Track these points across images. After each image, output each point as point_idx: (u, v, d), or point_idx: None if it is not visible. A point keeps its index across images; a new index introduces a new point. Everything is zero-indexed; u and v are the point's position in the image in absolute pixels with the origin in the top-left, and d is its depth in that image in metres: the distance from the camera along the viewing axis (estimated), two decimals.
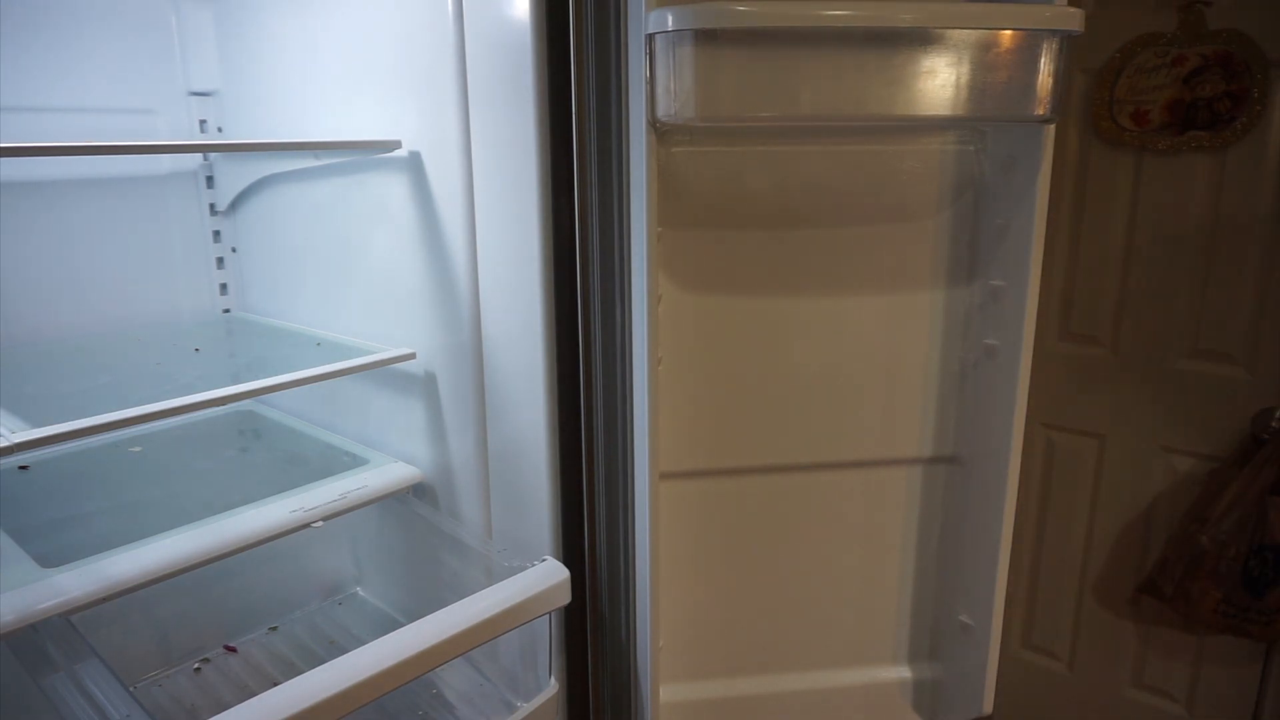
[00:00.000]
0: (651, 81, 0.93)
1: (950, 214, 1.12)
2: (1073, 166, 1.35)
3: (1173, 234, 1.30)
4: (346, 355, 1.16)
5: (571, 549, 1.14)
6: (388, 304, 1.24)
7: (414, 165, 1.13)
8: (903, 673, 1.29)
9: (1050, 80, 0.94)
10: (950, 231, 1.13)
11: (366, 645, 0.85)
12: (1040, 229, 1.05)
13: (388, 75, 1.13)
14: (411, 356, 1.19)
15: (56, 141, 1.12)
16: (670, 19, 0.89)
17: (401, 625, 0.88)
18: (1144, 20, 1.26)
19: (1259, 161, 1.22)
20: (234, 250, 1.51)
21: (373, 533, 1.37)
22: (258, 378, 1.05)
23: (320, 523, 1.09)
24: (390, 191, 1.17)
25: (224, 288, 1.52)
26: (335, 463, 1.27)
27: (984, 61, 0.93)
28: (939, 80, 0.92)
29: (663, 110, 0.93)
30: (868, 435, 1.19)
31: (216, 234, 1.50)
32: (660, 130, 0.97)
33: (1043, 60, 0.93)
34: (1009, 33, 0.92)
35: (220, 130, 1.46)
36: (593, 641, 1.18)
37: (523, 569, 1.00)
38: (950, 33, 0.91)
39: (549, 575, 1.00)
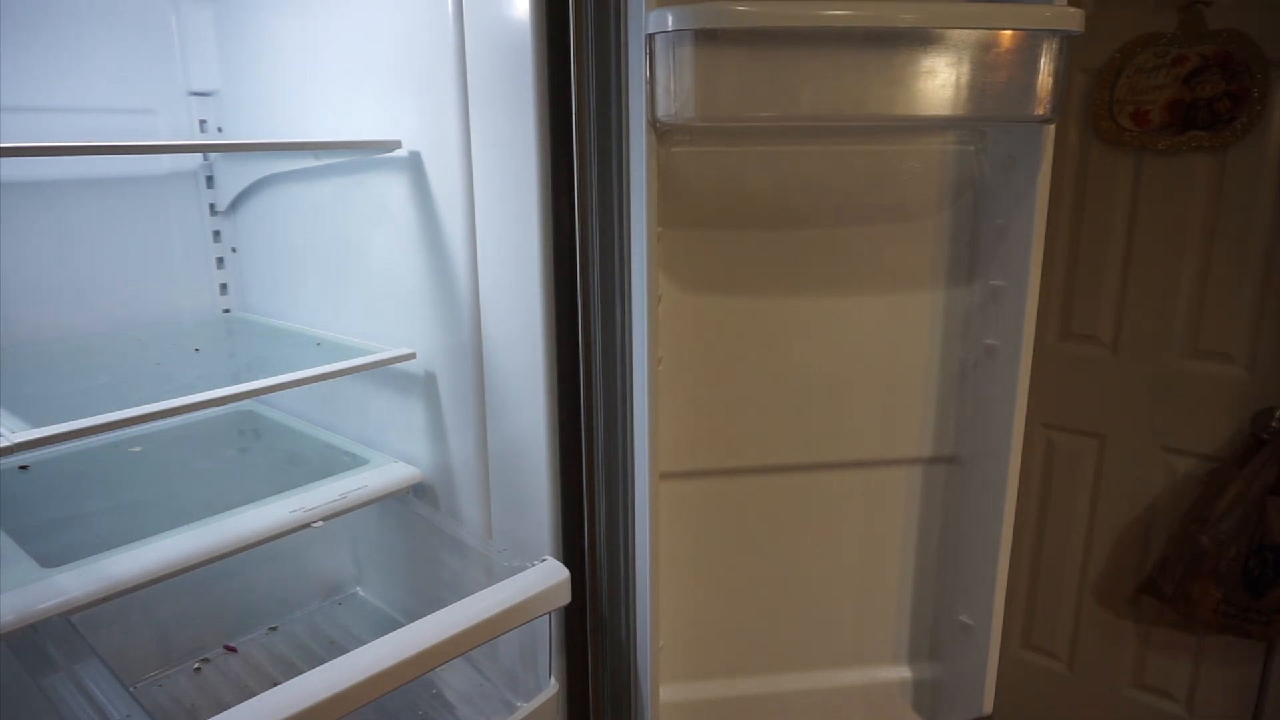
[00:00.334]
0: (651, 81, 0.93)
1: (950, 214, 1.12)
2: (1073, 166, 1.35)
3: (1173, 234, 1.30)
4: (346, 355, 1.16)
5: (571, 549, 1.14)
6: (388, 304, 1.24)
7: (414, 165, 1.13)
8: (903, 673, 1.29)
9: (1050, 80, 0.94)
10: (950, 231, 1.13)
11: (366, 645, 0.85)
12: (1040, 229, 1.05)
13: (388, 75, 1.13)
14: (411, 356, 1.19)
15: (56, 141, 1.12)
16: (670, 19, 0.89)
17: (401, 625, 0.88)
18: (1144, 20, 1.26)
19: (1259, 161, 1.22)
20: (234, 250, 1.51)
21: (373, 533, 1.37)
22: (258, 378, 1.05)
23: (320, 523, 1.09)
24: (390, 191, 1.17)
25: (224, 288, 1.52)
26: (335, 463, 1.27)
27: (984, 61, 0.93)
28: (939, 80, 0.92)
29: (663, 110, 0.93)
30: (868, 435, 1.19)
31: (216, 234, 1.50)
32: (660, 130, 0.97)
33: (1043, 60, 0.93)
34: (1009, 33, 0.92)
35: (220, 130, 1.46)
36: (593, 641, 1.18)
37: (523, 569, 1.00)
38: (950, 33, 0.91)
39: (549, 575, 1.00)
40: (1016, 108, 0.96)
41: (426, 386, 1.21)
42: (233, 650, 1.29)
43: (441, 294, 1.14)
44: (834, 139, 1.09)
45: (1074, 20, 0.93)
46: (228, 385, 1.02)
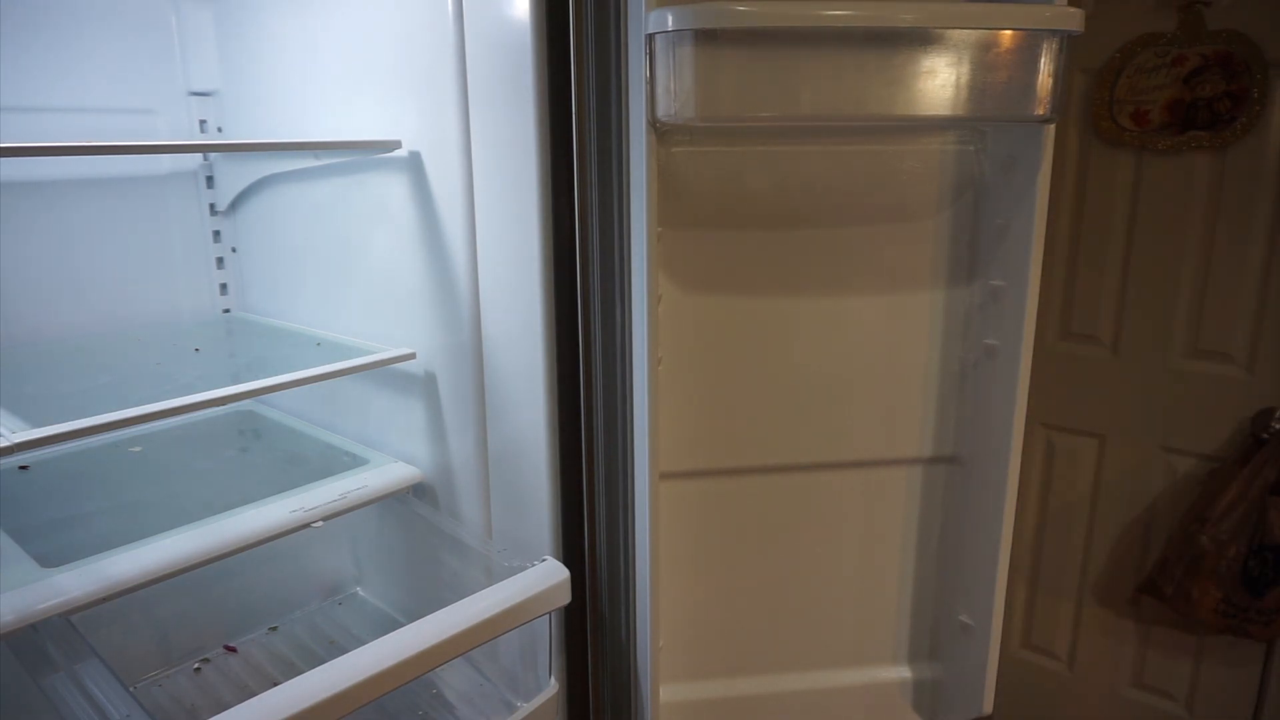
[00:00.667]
0: (651, 81, 0.93)
1: (950, 214, 1.12)
2: (1073, 166, 1.35)
3: (1173, 234, 1.30)
4: (346, 355, 1.16)
5: (571, 549, 1.14)
6: (388, 304, 1.24)
7: (414, 165, 1.13)
8: (903, 673, 1.29)
9: (1050, 80, 0.94)
10: (950, 231, 1.13)
11: (366, 645, 0.85)
12: (1040, 229, 1.05)
13: (388, 75, 1.13)
14: (411, 356, 1.19)
15: (56, 141, 1.12)
16: (670, 19, 0.89)
17: (401, 625, 0.88)
18: (1144, 20, 1.26)
19: (1259, 161, 1.22)
20: (234, 250, 1.51)
21: (373, 533, 1.37)
22: (258, 378, 1.05)
23: (320, 523, 1.09)
24: (390, 191, 1.17)
25: (224, 288, 1.52)
26: (335, 463, 1.27)
27: (984, 61, 0.93)
28: (939, 80, 0.92)
29: (663, 110, 0.93)
30: (868, 435, 1.19)
31: (216, 234, 1.50)
32: (660, 130, 0.97)
33: (1043, 60, 0.93)
34: (1009, 33, 0.92)
35: (220, 130, 1.46)
36: (593, 641, 1.18)
37: (523, 569, 1.00)
38: (950, 33, 0.91)
39: (549, 575, 1.00)
40: (1016, 108, 0.96)
41: (426, 386, 1.21)
42: (233, 650, 1.29)
43: (441, 294, 1.14)
44: (834, 139, 1.09)
45: (1074, 20, 0.93)
46: (228, 385, 1.02)
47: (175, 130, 1.42)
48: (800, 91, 0.92)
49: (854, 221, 1.12)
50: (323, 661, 0.82)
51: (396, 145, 1.14)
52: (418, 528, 1.26)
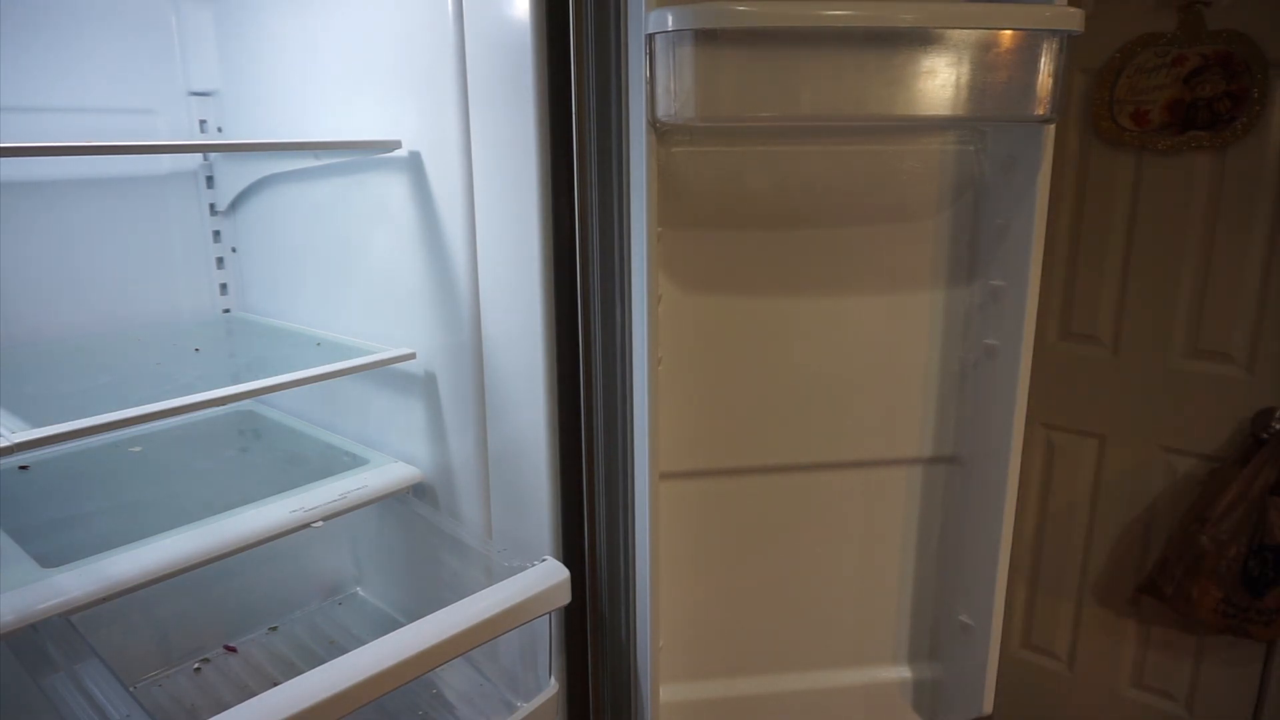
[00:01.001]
0: (651, 81, 0.93)
1: (950, 214, 1.12)
2: (1073, 166, 1.35)
3: (1173, 234, 1.30)
4: (346, 355, 1.16)
5: (571, 549, 1.14)
6: (388, 304, 1.24)
7: (414, 165, 1.13)
8: (903, 673, 1.29)
9: (1050, 80, 0.94)
10: (950, 231, 1.13)
11: (366, 645, 0.85)
12: (1040, 229, 1.05)
13: (388, 75, 1.13)
14: (411, 356, 1.19)
15: (56, 141, 1.12)
16: (670, 19, 0.89)
17: (401, 625, 0.88)
18: (1144, 20, 1.26)
19: (1259, 161, 1.22)
20: (234, 250, 1.51)
21: (373, 533, 1.37)
22: (258, 378, 1.05)
23: (320, 523, 1.09)
24: (390, 191, 1.17)
25: (224, 288, 1.52)
26: (335, 463, 1.27)
27: (984, 61, 0.93)
28: (939, 80, 0.92)
29: (663, 110, 0.93)
30: (868, 435, 1.19)
31: (216, 234, 1.50)
32: (660, 130, 0.97)
33: (1043, 60, 0.93)
34: (1009, 33, 0.92)
35: (220, 130, 1.46)
36: (593, 641, 1.18)
37: (523, 569, 1.00)
38: (950, 33, 0.91)
39: (549, 575, 1.00)
40: (1016, 108, 0.96)
41: (426, 386, 1.21)
42: (233, 650, 1.29)
43: (441, 294, 1.14)
44: (834, 139, 1.09)
45: (1074, 20, 0.93)
46: (228, 385, 1.02)
47: (175, 130, 1.42)
48: (800, 91, 0.92)
49: (854, 221, 1.12)
50: (323, 661, 0.82)
51: (396, 145, 1.14)
52: (418, 528, 1.26)
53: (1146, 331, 1.34)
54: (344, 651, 0.84)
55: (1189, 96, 1.25)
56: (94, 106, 1.33)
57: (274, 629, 1.34)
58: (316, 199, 1.32)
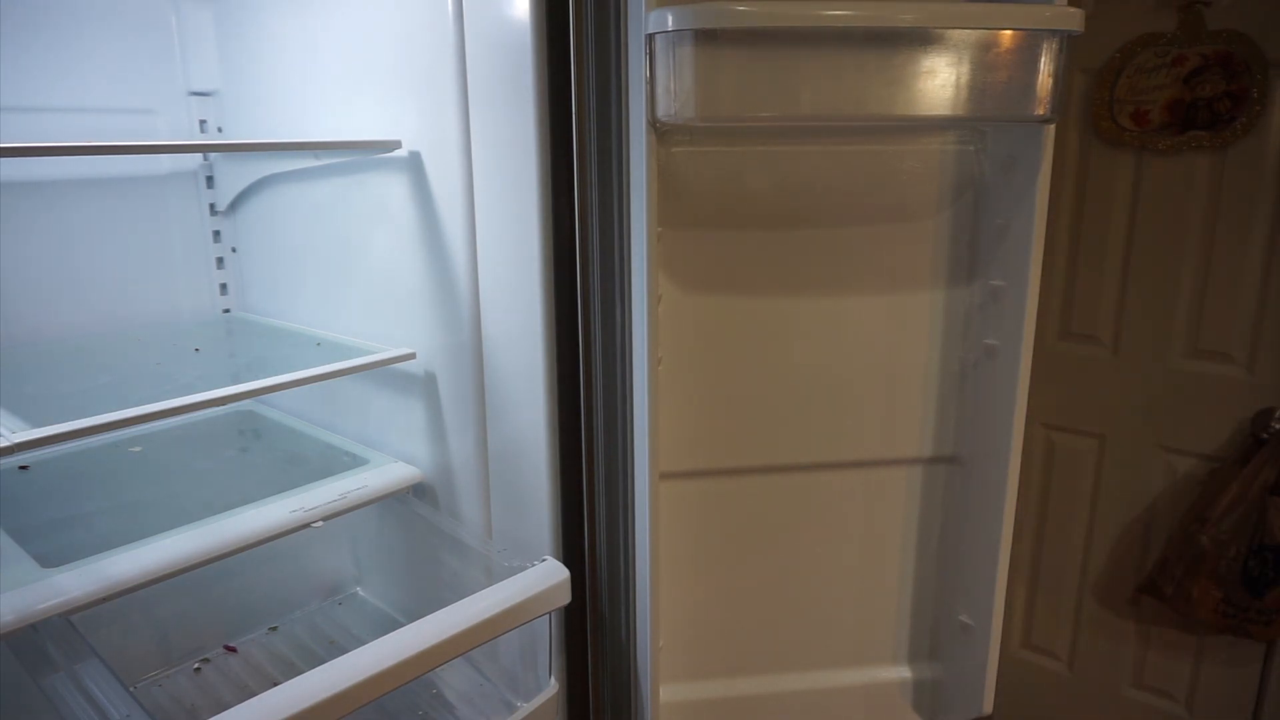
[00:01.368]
0: (651, 81, 0.93)
1: (950, 214, 1.12)
2: (1073, 166, 1.35)
3: (1173, 234, 1.30)
4: (346, 355, 1.16)
5: (571, 549, 1.14)
6: (388, 304, 1.24)
7: (414, 165, 1.13)
8: (903, 673, 1.29)
9: (1050, 80, 0.94)
10: (950, 231, 1.13)
11: (366, 645, 0.85)
12: (1040, 229, 1.05)
13: (388, 75, 1.13)
14: (411, 356, 1.19)
15: (56, 141, 1.12)
16: (670, 19, 0.89)
17: (401, 625, 0.88)
18: (1144, 20, 1.26)
19: (1259, 161, 1.22)
20: (234, 250, 1.51)
21: (373, 533, 1.37)
22: (258, 378, 1.05)
23: (320, 523, 1.09)
24: (390, 191, 1.17)
25: (224, 288, 1.52)
26: (335, 463, 1.27)
27: (984, 61, 0.93)
28: (939, 80, 0.92)
29: (663, 110, 0.93)
30: (868, 435, 1.19)
31: (216, 234, 1.50)
32: (660, 130, 0.97)
33: (1043, 60, 0.93)
34: (1009, 33, 0.92)
35: (220, 130, 1.46)
36: (593, 641, 1.18)
37: (523, 569, 1.00)
38: (950, 33, 0.91)
39: (549, 575, 1.00)
40: (1016, 108, 0.96)
41: (426, 386, 1.21)
42: (233, 650, 1.29)
43: (441, 294, 1.14)
44: (834, 139, 1.09)
45: (1074, 20, 0.93)
46: (228, 385, 1.02)
47: (175, 130, 1.42)
48: (800, 91, 0.92)
49: (854, 221, 1.12)
50: (323, 661, 0.82)
51: (396, 145, 1.14)
52: (418, 528, 1.26)
53: (1146, 331, 1.34)
54: (344, 651, 0.84)
55: (1189, 96, 1.25)
56: (94, 106, 1.33)
57: (274, 629, 1.34)
58: (316, 199, 1.32)
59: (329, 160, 1.25)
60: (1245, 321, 1.27)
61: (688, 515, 1.19)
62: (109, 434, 0.96)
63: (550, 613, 1.02)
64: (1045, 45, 0.93)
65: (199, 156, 1.46)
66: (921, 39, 0.91)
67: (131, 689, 1.09)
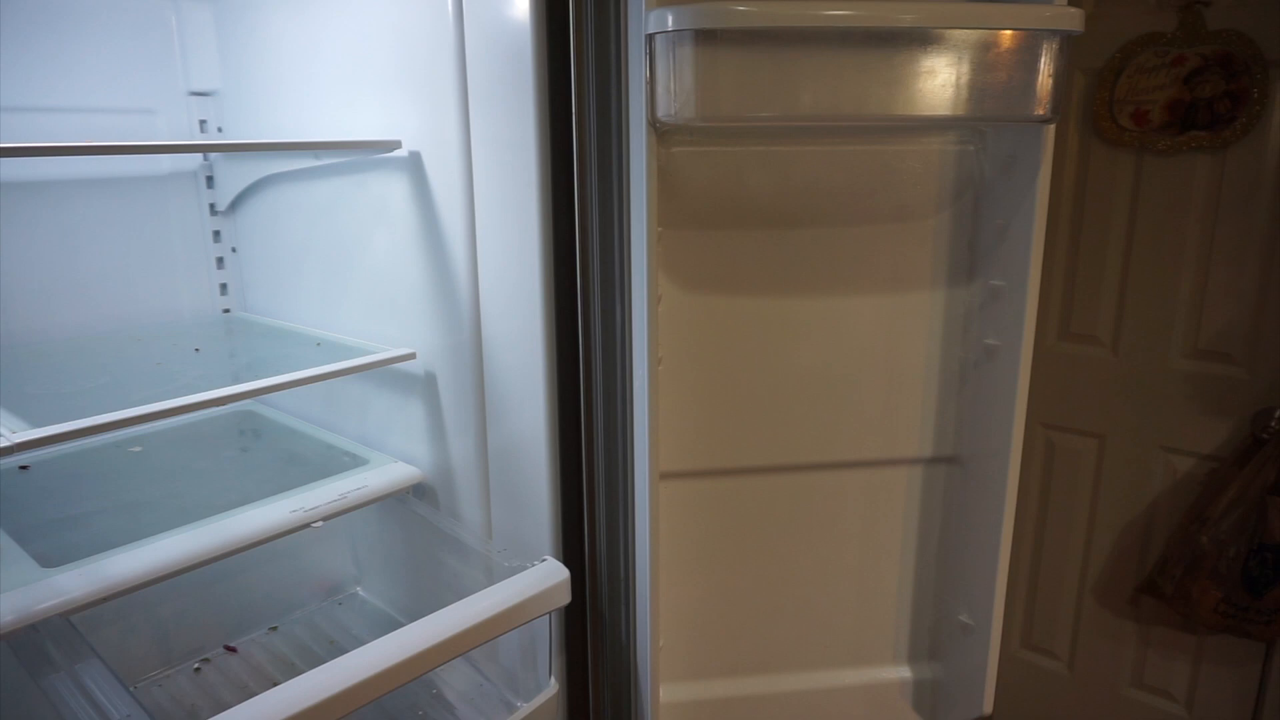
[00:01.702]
0: (651, 81, 0.93)
1: (950, 214, 1.12)
2: (1073, 166, 1.35)
3: (1173, 234, 1.29)
4: (346, 355, 1.16)
5: (571, 549, 1.14)
6: (388, 304, 1.24)
7: (414, 165, 1.13)
8: (903, 673, 1.29)
9: (1050, 80, 0.94)
10: (950, 231, 1.13)
11: (366, 645, 0.85)
12: (1040, 229, 1.05)
13: (388, 75, 1.13)
14: (411, 356, 1.19)
15: (56, 141, 1.12)
16: (670, 19, 0.89)
17: (401, 625, 0.88)
18: (1144, 20, 1.26)
19: (1259, 161, 1.22)
20: (234, 250, 1.51)
21: (373, 533, 1.37)
22: (258, 378, 1.05)
23: (320, 523, 1.09)
24: (390, 191, 1.17)
25: (224, 288, 1.52)
26: (335, 463, 1.27)
27: (984, 61, 0.93)
28: (939, 80, 0.92)
29: (663, 110, 0.93)
30: (868, 435, 1.19)
31: (216, 234, 1.50)
32: (660, 130, 0.97)
33: (1043, 60, 0.93)
34: (1009, 33, 0.92)
35: (220, 130, 1.46)
36: (593, 641, 1.18)
37: (523, 569, 1.00)
38: (950, 33, 0.91)
39: (549, 575, 1.00)
40: (1016, 108, 0.96)
41: (426, 386, 1.21)
42: (233, 650, 1.29)
43: (441, 294, 1.14)
44: (834, 139, 1.09)
45: (1074, 20, 0.93)
46: (228, 385, 1.02)
47: (175, 130, 1.42)
48: (800, 91, 0.92)
49: (854, 221, 1.12)
50: (323, 661, 0.82)
51: (396, 145, 1.14)
52: (418, 528, 1.26)
53: (1146, 331, 1.34)
54: (344, 651, 0.84)
55: (1189, 96, 1.25)
56: (94, 106, 1.33)
57: (274, 629, 1.34)
58: (316, 199, 1.32)
59: (329, 160, 1.25)
60: (1245, 321, 1.27)
61: (688, 515, 1.19)
62: (109, 434, 0.96)
63: (550, 613, 1.02)
64: (1045, 45, 0.93)
65: (199, 156, 1.46)
66: (921, 39, 0.91)
67: (131, 689, 1.09)
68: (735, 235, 1.11)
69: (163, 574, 0.96)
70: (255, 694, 0.77)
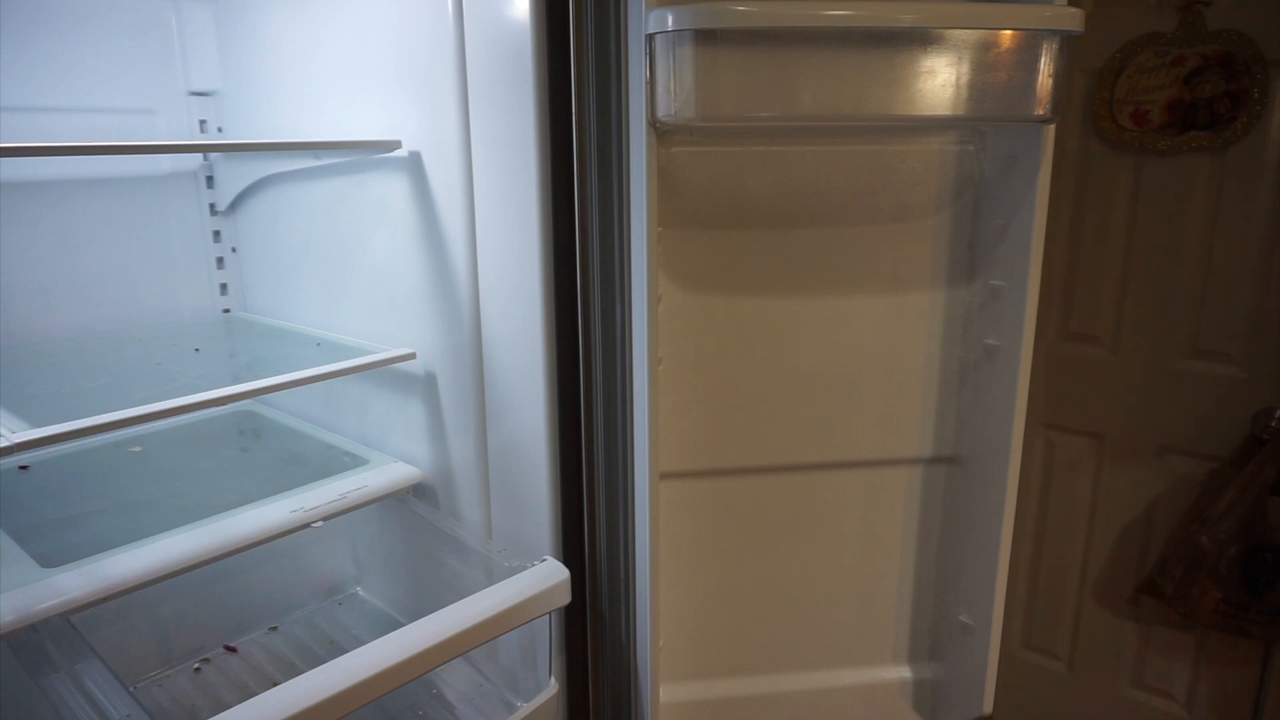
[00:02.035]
0: (651, 81, 0.93)
1: (950, 214, 1.12)
2: (1073, 166, 1.35)
3: (1173, 234, 1.29)
4: (346, 355, 1.17)
5: (571, 549, 1.14)
6: (388, 304, 1.24)
7: (414, 165, 1.13)
8: (903, 673, 1.29)
9: (1050, 80, 0.94)
10: (950, 231, 1.13)
11: (366, 645, 0.85)
12: (1040, 229, 1.05)
13: (388, 75, 1.13)
14: (411, 356, 1.19)
15: (56, 141, 1.12)
16: (670, 19, 0.89)
17: (401, 625, 0.88)
18: (1144, 20, 1.26)
19: (1259, 161, 1.22)
20: (234, 250, 1.51)
21: (373, 533, 1.37)
22: (258, 378, 1.05)
23: (320, 523, 1.09)
24: (390, 191, 1.17)
25: (224, 288, 1.52)
26: (335, 463, 1.27)
27: (984, 61, 0.93)
28: (939, 80, 0.92)
29: (663, 110, 0.93)
30: (867, 435, 1.19)
31: (216, 234, 1.50)
32: (660, 130, 0.97)
33: (1043, 60, 0.93)
34: (1009, 33, 0.92)
35: (220, 130, 1.46)
36: (593, 641, 1.18)
37: (523, 569, 1.00)
38: (950, 33, 0.91)
39: (549, 575, 1.00)
40: (1016, 108, 0.96)
41: (426, 386, 1.21)
42: (233, 650, 1.29)
43: (441, 294, 1.14)
44: (834, 139, 1.09)
45: (1074, 20, 0.93)
46: (228, 385, 1.02)
47: (175, 130, 1.42)
48: (800, 91, 0.92)
49: (854, 221, 1.12)
50: (323, 661, 0.82)
51: (396, 145, 1.14)
52: (418, 528, 1.26)
53: (1146, 331, 1.34)
54: (344, 651, 0.84)
55: (1189, 97, 1.25)
56: (94, 106, 1.33)
57: (274, 629, 1.34)
58: (317, 199, 1.32)
59: (329, 160, 1.25)
60: (1245, 321, 1.27)
61: (688, 515, 1.19)
62: (109, 434, 0.96)
63: (550, 613, 1.02)
64: (1045, 45, 0.93)
65: (199, 156, 1.46)
66: (921, 39, 0.91)
67: (131, 689, 1.09)
68: (735, 235, 1.11)
69: (163, 574, 0.96)
70: (255, 694, 0.77)
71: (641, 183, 0.96)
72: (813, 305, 1.14)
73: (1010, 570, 1.16)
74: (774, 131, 1.08)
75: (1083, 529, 1.46)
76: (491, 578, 1.02)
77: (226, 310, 1.53)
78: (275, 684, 0.79)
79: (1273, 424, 1.25)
